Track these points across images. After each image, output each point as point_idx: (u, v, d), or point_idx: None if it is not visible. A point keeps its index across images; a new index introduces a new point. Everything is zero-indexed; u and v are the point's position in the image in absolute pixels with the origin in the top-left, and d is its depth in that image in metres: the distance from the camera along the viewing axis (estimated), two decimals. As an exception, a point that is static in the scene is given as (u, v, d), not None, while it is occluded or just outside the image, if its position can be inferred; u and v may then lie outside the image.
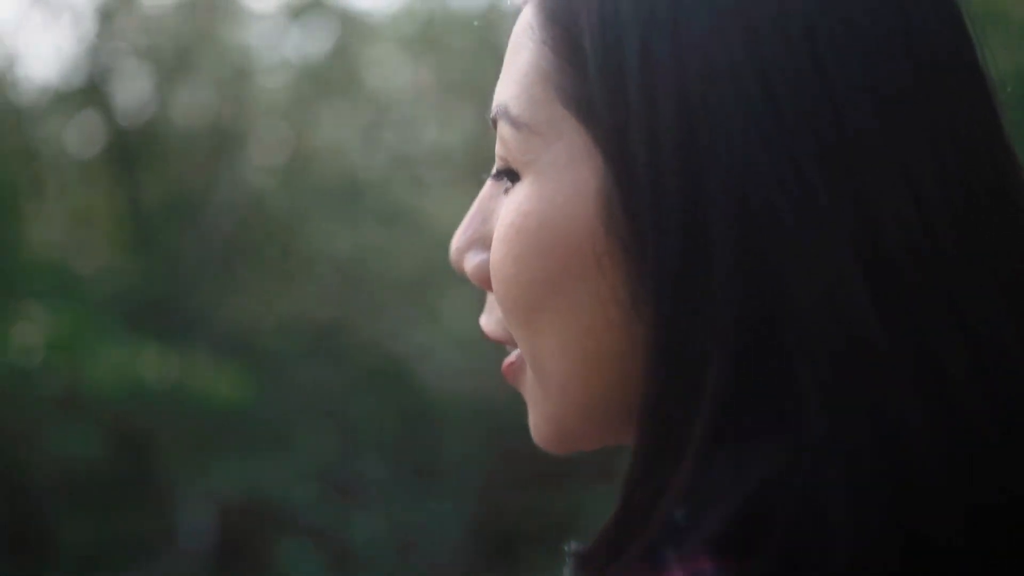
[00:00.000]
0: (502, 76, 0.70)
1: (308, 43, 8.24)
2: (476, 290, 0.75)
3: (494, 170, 0.71)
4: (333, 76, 8.17)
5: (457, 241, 0.73)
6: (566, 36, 0.65)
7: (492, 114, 0.69)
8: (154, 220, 7.54)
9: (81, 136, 7.84)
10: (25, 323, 6.14)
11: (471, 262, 0.72)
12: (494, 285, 0.69)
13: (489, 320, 0.74)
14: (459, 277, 0.75)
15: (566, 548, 0.61)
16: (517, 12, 0.71)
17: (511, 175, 0.68)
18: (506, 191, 0.69)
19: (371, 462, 6.91)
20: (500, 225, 0.68)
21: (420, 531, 6.69)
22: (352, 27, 8.17)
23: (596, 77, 0.63)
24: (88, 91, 7.61)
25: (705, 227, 0.59)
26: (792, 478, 0.56)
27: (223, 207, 7.40)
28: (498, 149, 0.69)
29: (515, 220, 0.66)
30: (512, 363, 0.72)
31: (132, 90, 7.80)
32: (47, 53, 9.32)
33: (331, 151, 8.14)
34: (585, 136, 0.64)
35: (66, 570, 6.52)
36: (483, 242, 0.72)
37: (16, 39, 8.31)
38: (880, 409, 0.57)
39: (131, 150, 7.66)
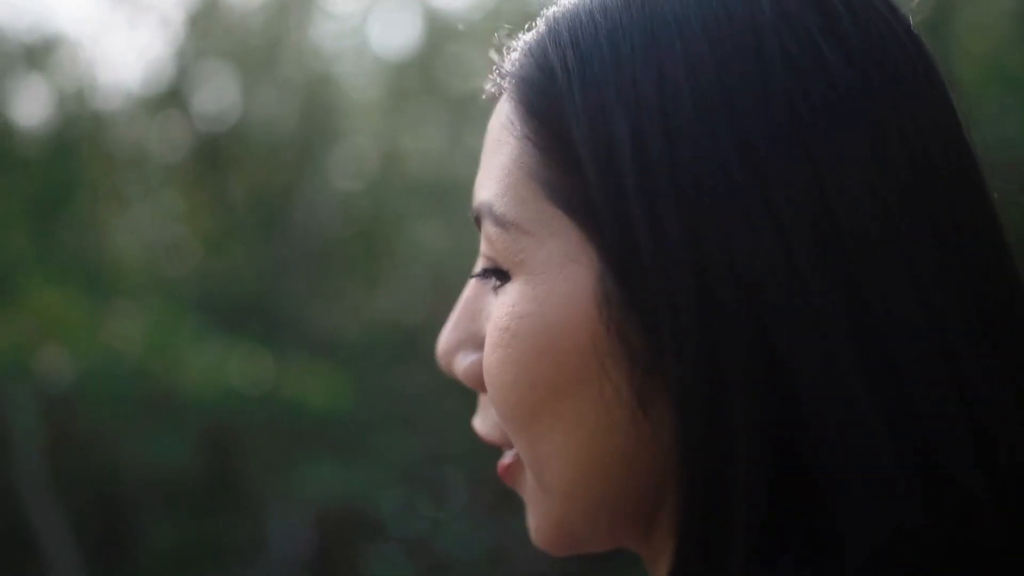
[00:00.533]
0: (481, 172, 0.68)
1: (395, 43, 8.16)
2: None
3: (479, 268, 0.69)
4: (420, 76, 8.07)
5: (445, 343, 0.70)
6: (550, 130, 0.63)
7: (474, 212, 0.67)
8: (243, 223, 7.49)
9: (168, 140, 7.81)
10: (117, 326, 6.09)
11: (461, 364, 0.70)
12: (490, 391, 0.66)
13: (484, 423, 0.72)
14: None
15: None
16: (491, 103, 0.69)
17: (499, 274, 0.66)
18: (494, 289, 0.67)
19: (463, 467, 6.77)
20: (493, 329, 0.65)
21: (514, 538, 6.52)
22: (439, 26, 8.08)
23: (590, 172, 0.60)
24: (173, 94, 7.58)
25: (718, 319, 0.58)
26: None
27: (312, 209, 7.33)
28: (483, 248, 0.67)
29: (510, 324, 0.63)
30: (509, 465, 0.70)
31: (217, 93, 7.77)
32: (132, 57, 9.30)
33: (420, 152, 8.03)
34: (578, 233, 0.62)
35: (155, 575, 6.47)
36: (472, 342, 0.70)
37: (101, 44, 8.32)
38: (900, 534, 0.57)
39: (218, 153, 7.63)
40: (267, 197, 7.55)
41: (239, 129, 7.78)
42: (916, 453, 0.58)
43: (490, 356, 0.65)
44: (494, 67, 0.69)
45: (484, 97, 0.71)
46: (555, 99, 0.63)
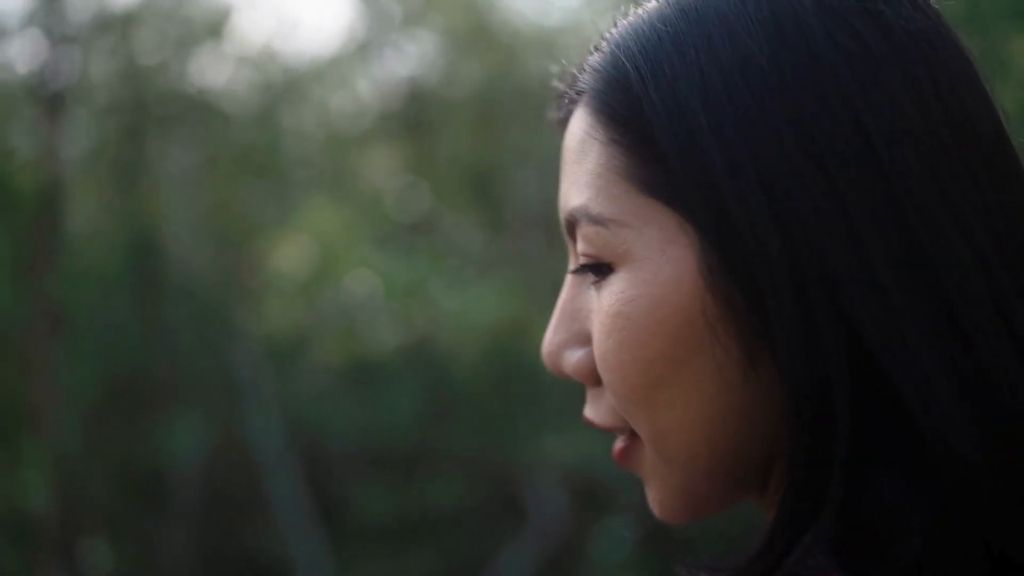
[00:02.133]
0: (567, 184, 0.73)
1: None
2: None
3: (575, 266, 0.74)
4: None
5: (549, 344, 0.75)
6: (634, 131, 0.69)
7: (566, 220, 0.73)
8: (455, 181, 7.28)
9: (362, 102, 7.61)
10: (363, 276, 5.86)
11: (570, 361, 0.74)
12: (607, 377, 0.71)
13: (597, 411, 0.75)
14: None
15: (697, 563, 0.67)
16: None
17: (599, 269, 0.71)
18: (594, 285, 0.72)
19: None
20: (604, 317, 0.70)
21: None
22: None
23: (678, 161, 0.67)
24: (364, 57, 7.40)
25: (805, 278, 0.65)
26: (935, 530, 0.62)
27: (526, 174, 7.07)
28: (581, 248, 0.72)
29: (621, 308, 0.69)
30: (624, 448, 0.75)
31: (415, 56, 7.58)
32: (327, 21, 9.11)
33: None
34: (674, 217, 0.68)
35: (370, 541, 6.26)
36: (576, 340, 0.74)
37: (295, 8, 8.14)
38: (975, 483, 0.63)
39: (421, 114, 7.43)
40: (474, 159, 7.36)
41: (441, 91, 7.58)
42: (982, 401, 0.63)
43: (604, 343, 0.70)
44: (560, 92, 0.77)
45: (551, 122, 0.77)
46: (634, 102, 0.69)
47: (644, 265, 0.68)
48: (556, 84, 0.78)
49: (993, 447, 0.63)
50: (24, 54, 7.65)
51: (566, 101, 0.76)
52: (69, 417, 6.22)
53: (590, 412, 0.76)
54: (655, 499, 0.74)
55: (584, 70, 0.74)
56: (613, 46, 0.73)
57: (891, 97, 0.66)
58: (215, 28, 7.58)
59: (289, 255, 6.55)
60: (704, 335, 0.67)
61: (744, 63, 0.67)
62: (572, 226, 0.73)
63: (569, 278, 0.75)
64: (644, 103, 0.68)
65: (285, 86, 7.73)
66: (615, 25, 0.75)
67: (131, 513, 6.65)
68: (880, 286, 0.64)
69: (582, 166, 0.72)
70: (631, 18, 0.74)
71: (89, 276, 7.20)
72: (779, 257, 0.64)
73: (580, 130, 0.73)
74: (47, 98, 6.55)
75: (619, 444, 0.75)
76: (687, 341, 0.68)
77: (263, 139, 7.14)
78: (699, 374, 0.68)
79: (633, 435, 0.74)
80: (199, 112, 7.42)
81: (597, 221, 0.70)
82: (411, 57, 7.68)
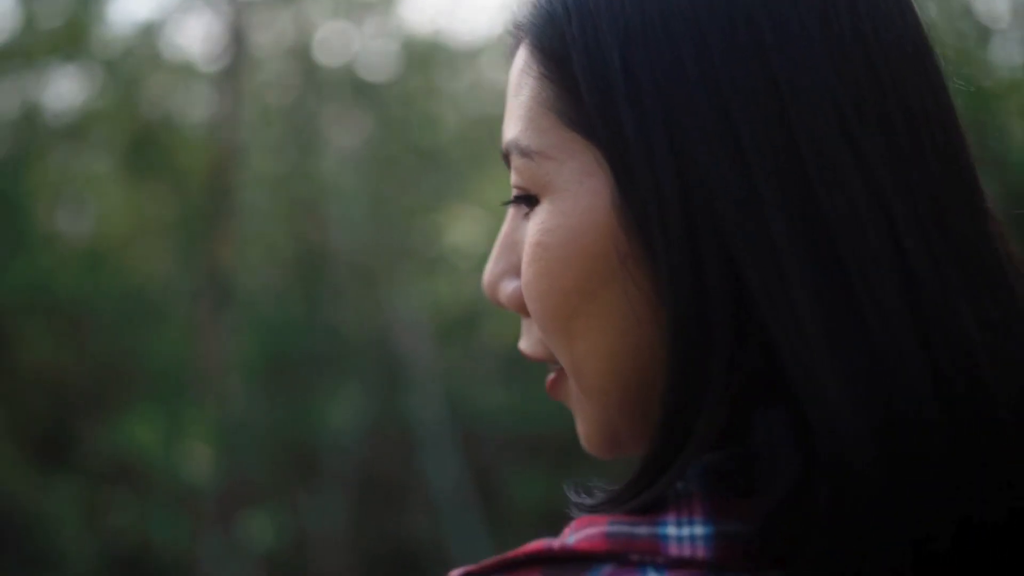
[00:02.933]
0: (507, 116, 0.74)
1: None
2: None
3: (511, 198, 0.74)
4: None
5: (488, 275, 0.76)
6: (560, 65, 0.70)
7: (503, 152, 0.74)
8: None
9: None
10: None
11: (505, 291, 0.75)
12: (529, 304, 0.72)
13: (528, 342, 0.76)
14: None
15: (581, 488, 0.68)
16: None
17: (529, 200, 0.72)
18: (525, 216, 0.73)
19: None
20: (528, 247, 0.71)
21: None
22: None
23: (589, 97, 0.67)
24: None
25: (697, 221, 0.64)
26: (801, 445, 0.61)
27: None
28: (513, 180, 0.73)
29: (541, 238, 0.69)
30: (554, 379, 0.75)
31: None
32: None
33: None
34: (594, 151, 0.68)
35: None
36: (514, 271, 0.75)
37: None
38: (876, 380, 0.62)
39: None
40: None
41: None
42: (862, 375, 0.61)
43: (527, 272, 0.71)
44: (510, 21, 0.77)
45: (505, 51, 0.77)
46: (560, 38, 0.69)
47: (564, 197, 0.69)
48: (507, 12, 0.79)
49: (876, 440, 0.60)
50: (198, 26, 7.76)
51: (511, 36, 0.77)
52: (233, 388, 6.28)
53: (523, 343, 0.77)
54: (581, 432, 0.75)
55: (526, 5, 0.75)
56: None
57: (805, 45, 0.65)
58: (383, 3, 7.56)
59: (464, 230, 6.45)
60: (616, 269, 0.67)
61: (665, 3, 0.67)
62: (507, 158, 0.73)
63: (509, 210, 0.76)
64: (567, 38, 0.69)
65: (449, 61, 7.65)
66: None
67: (289, 486, 6.70)
68: (771, 241, 0.63)
69: (518, 99, 0.73)
70: None
71: (256, 247, 7.27)
72: (672, 198, 0.65)
73: (518, 64, 0.74)
74: (220, 70, 6.60)
75: (549, 376, 0.76)
76: (600, 273, 0.68)
77: (426, 113, 7.05)
78: (610, 307, 0.68)
79: (561, 368, 0.74)
80: (365, 86, 7.40)
81: (525, 153, 0.71)
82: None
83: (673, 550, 0.61)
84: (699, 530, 0.61)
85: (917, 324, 0.62)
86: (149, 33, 7.31)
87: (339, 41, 7.52)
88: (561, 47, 0.69)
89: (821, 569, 0.60)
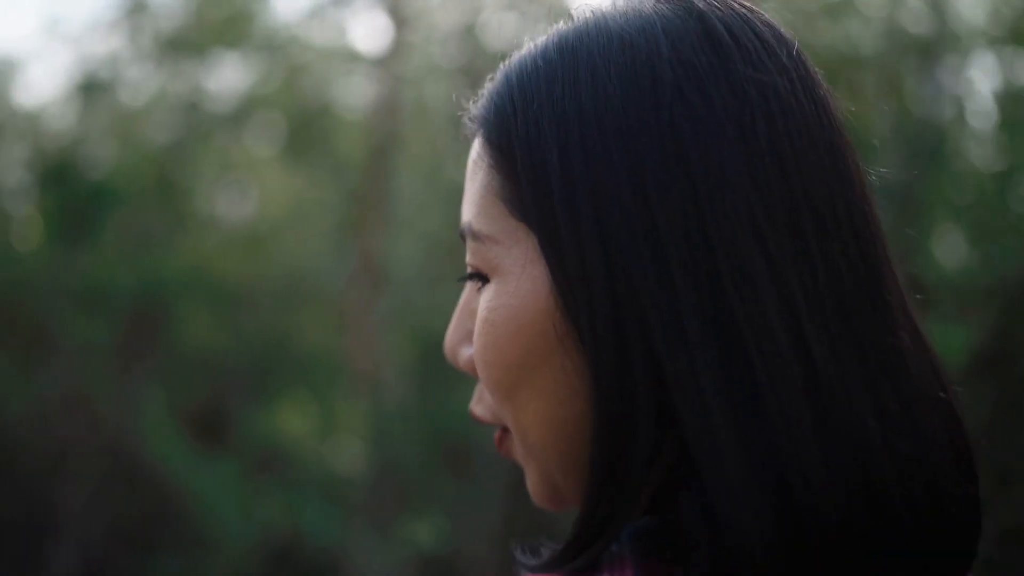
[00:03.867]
0: (464, 199, 0.79)
1: None
2: None
3: (467, 274, 0.80)
4: None
5: (449, 340, 0.82)
6: (507, 158, 0.75)
7: (460, 232, 0.79)
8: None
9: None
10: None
11: (463, 356, 0.81)
12: (479, 372, 0.78)
13: (479, 406, 0.82)
14: None
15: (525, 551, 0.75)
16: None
17: (482, 278, 0.77)
18: (479, 290, 0.78)
19: None
20: (478, 321, 0.76)
21: None
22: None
23: (528, 191, 0.73)
24: None
25: (622, 314, 0.69)
26: (712, 512, 0.67)
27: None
28: (468, 258, 0.78)
29: (488, 315, 0.75)
30: (500, 438, 0.81)
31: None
32: None
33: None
34: (536, 239, 0.73)
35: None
36: (470, 338, 0.79)
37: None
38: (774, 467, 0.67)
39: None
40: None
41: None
42: (763, 468, 0.66)
43: (476, 344, 0.76)
44: (466, 113, 0.82)
45: (462, 139, 0.81)
46: (507, 133, 0.75)
47: (509, 279, 0.74)
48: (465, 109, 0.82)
49: (775, 530, 0.65)
50: (359, 13, 7.74)
51: (468, 122, 0.81)
52: (385, 377, 6.22)
53: (474, 406, 0.83)
54: (529, 484, 0.80)
55: (480, 98, 0.80)
56: (502, 77, 0.78)
57: (722, 151, 0.69)
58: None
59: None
60: (555, 346, 0.73)
61: (601, 104, 0.72)
62: (463, 238, 0.79)
63: (468, 283, 0.80)
64: (512, 134, 0.74)
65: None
66: (510, 57, 0.80)
67: (441, 479, 6.62)
68: (685, 337, 0.68)
69: (473, 184, 0.78)
70: (523, 51, 0.79)
71: (410, 234, 7.21)
72: (599, 289, 0.70)
73: (474, 152, 0.79)
74: (380, 56, 6.55)
75: (497, 434, 0.82)
76: (540, 350, 0.73)
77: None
78: (550, 380, 0.73)
79: (506, 428, 0.80)
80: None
81: (476, 237, 0.76)
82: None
83: None
84: None
85: (816, 419, 0.67)
86: (311, 20, 7.32)
87: (503, 24, 7.40)
88: (507, 142, 0.74)
89: None
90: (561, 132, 0.71)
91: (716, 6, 0.74)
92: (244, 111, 7.48)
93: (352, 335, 6.12)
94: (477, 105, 0.80)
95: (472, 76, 7.07)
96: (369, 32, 6.63)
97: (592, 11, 0.77)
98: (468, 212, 0.78)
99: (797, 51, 0.74)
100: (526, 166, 0.72)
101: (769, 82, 0.71)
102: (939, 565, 0.69)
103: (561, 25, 0.78)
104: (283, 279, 7.09)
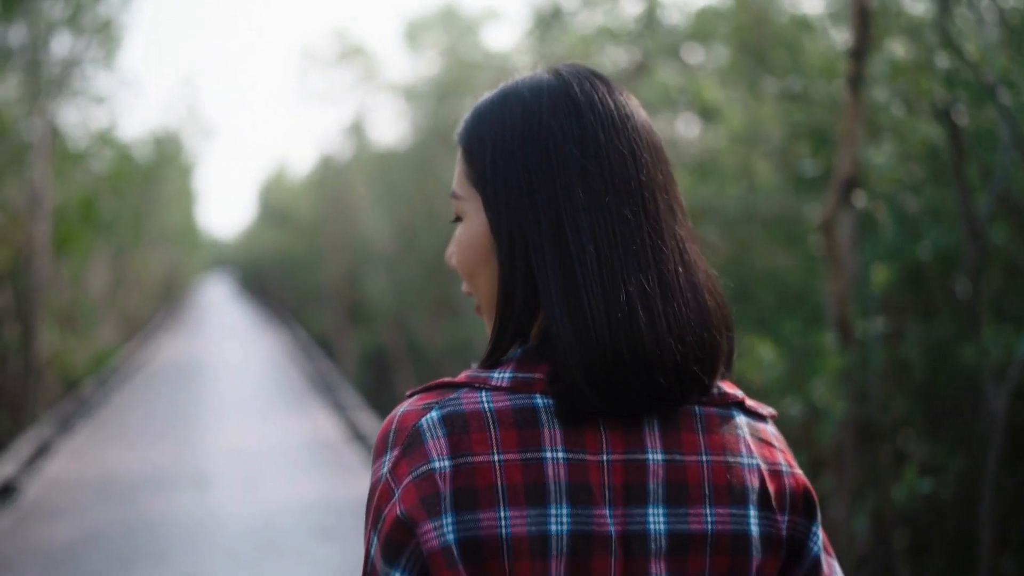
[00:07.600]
0: (454, 176, 1.44)
1: None
2: None
3: (454, 218, 1.43)
4: None
5: (448, 252, 1.44)
6: (469, 157, 1.38)
7: (451, 194, 1.44)
8: None
9: None
10: None
11: (452, 260, 1.44)
12: (457, 267, 1.42)
13: (464, 285, 1.45)
14: None
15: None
16: None
17: (459, 220, 1.41)
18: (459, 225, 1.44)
19: None
20: (455, 241, 1.41)
21: None
22: None
23: (475, 175, 1.37)
24: None
25: (515, 243, 1.32)
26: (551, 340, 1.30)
27: None
28: (454, 208, 1.42)
29: (460, 238, 1.40)
30: (467, 291, 1.45)
31: None
32: None
33: None
34: (480, 200, 1.37)
35: None
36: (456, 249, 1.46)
37: None
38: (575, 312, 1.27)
39: None
40: None
41: None
42: (577, 314, 1.26)
43: (456, 252, 1.41)
44: (456, 131, 1.44)
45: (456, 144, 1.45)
46: (468, 141, 1.39)
47: (470, 220, 1.38)
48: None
49: (581, 358, 1.24)
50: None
51: (456, 135, 1.43)
52: (859, 320, 5.58)
53: (464, 286, 1.45)
54: (478, 312, 1.44)
55: (460, 125, 1.43)
56: (473, 109, 1.41)
57: (569, 162, 1.30)
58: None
59: None
60: (488, 255, 1.36)
61: (509, 133, 1.34)
62: (453, 198, 1.42)
63: (457, 223, 1.43)
64: (471, 145, 1.38)
65: None
66: (481, 96, 1.43)
67: (928, 435, 5.91)
68: (543, 252, 1.28)
69: (458, 168, 1.41)
70: (487, 94, 1.42)
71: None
72: (505, 230, 1.32)
73: (459, 153, 1.42)
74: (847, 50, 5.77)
75: (464, 288, 1.44)
76: (482, 257, 1.36)
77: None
78: (487, 271, 1.37)
79: (471, 293, 1.45)
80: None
81: (455, 196, 1.40)
82: None
83: (494, 383, 1.29)
84: (507, 374, 1.29)
85: (603, 289, 1.26)
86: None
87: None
88: (468, 146, 1.38)
89: (561, 399, 1.27)
90: (491, 145, 1.35)
91: (580, 77, 1.37)
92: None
93: (832, 274, 5.48)
94: (458, 129, 1.43)
95: None
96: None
97: (516, 77, 1.41)
98: (454, 183, 1.42)
99: (624, 101, 1.37)
100: (475, 161, 1.37)
101: (602, 120, 1.33)
102: (684, 380, 1.28)
103: (502, 83, 1.41)
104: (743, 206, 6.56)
